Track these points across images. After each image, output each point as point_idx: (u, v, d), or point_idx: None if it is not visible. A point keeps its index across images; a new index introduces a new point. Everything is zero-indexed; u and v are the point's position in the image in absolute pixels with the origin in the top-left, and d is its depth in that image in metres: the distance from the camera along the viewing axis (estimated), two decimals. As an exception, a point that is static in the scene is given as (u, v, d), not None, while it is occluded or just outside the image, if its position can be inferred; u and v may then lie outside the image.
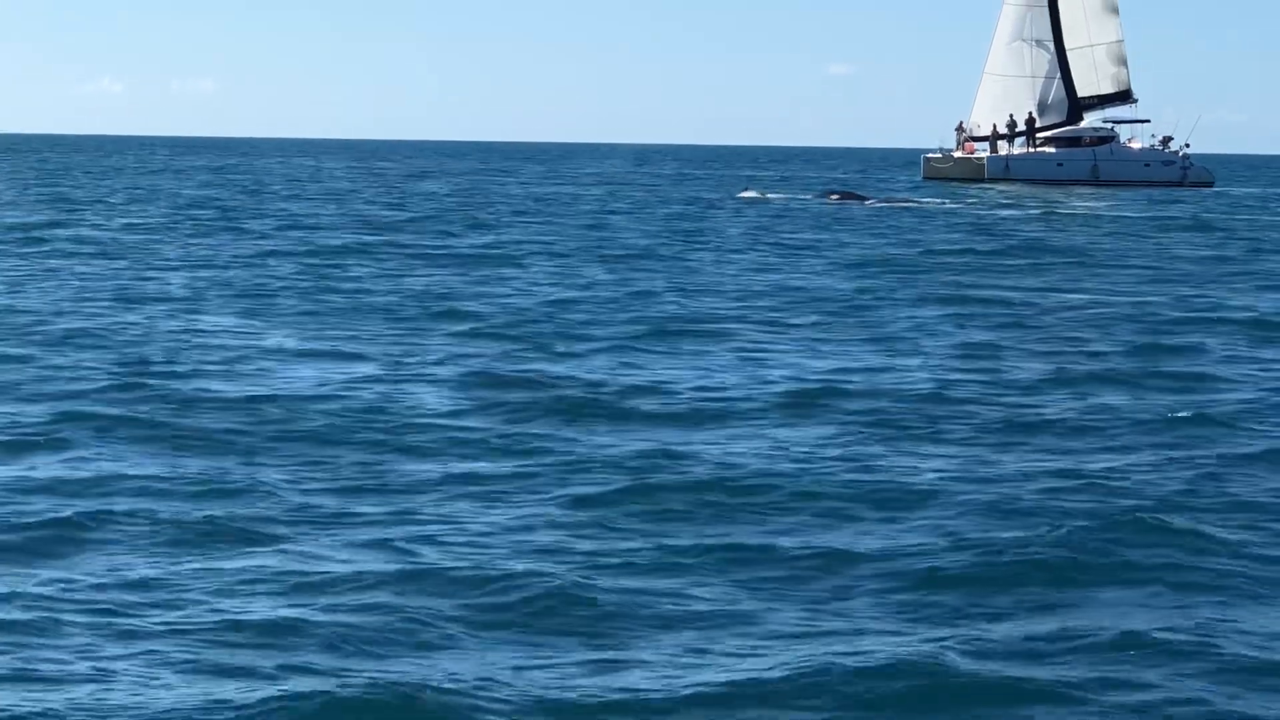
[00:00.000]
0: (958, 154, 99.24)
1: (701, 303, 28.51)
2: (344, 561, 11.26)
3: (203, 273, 32.85)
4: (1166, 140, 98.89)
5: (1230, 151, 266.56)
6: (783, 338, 23.94)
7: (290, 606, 10.15)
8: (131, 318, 24.82)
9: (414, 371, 19.72)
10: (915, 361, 21.63)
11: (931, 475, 14.27)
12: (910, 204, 73.70)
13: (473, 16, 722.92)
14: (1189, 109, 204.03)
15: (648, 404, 17.68)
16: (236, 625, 9.77)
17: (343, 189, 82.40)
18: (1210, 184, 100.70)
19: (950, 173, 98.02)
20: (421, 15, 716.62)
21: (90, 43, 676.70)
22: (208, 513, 12.41)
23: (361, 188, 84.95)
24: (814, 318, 26.61)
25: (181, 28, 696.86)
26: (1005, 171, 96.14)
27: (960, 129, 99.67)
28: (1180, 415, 17.38)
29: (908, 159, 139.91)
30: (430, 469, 14.31)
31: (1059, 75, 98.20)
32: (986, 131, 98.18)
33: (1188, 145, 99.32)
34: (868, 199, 76.39)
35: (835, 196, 77.64)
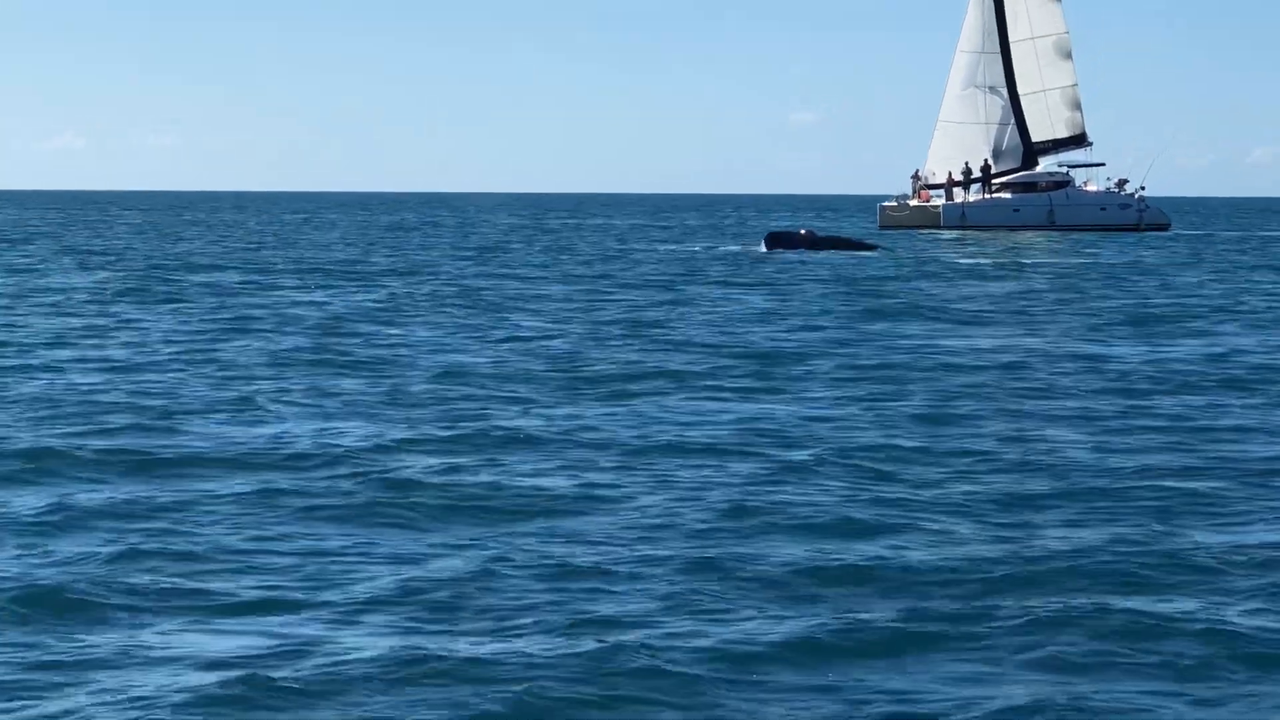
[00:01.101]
0: (914, 202, 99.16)
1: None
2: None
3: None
4: (1122, 183, 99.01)
5: (1199, 195, 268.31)
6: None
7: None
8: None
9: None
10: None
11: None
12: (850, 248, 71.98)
13: (440, 67, 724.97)
14: (1149, 152, 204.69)
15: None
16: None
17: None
18: (1166, 226, 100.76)
19: (907, 221, 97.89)
20: (387, 69, 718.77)
21: (52, 99, 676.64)
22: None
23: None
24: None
25: (143, 83, 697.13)
26: (961, 219, 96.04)
27: (916, 177, 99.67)
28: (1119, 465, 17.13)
29: (869, 205, 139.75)
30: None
31: (1013, 121, 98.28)
32: (942, 179, 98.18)
33: (1143, 188, 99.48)
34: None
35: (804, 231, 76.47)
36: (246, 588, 12.46)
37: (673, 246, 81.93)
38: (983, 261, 65.16)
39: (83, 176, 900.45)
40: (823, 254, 68.70)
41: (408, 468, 17.39)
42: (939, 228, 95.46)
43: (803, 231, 76.03)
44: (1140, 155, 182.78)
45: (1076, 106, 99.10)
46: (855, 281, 51.04)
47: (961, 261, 64.90)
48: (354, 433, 19.88)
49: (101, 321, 35.09)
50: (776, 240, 72.37)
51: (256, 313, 37.75)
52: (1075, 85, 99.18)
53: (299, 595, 12.28)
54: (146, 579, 12.61)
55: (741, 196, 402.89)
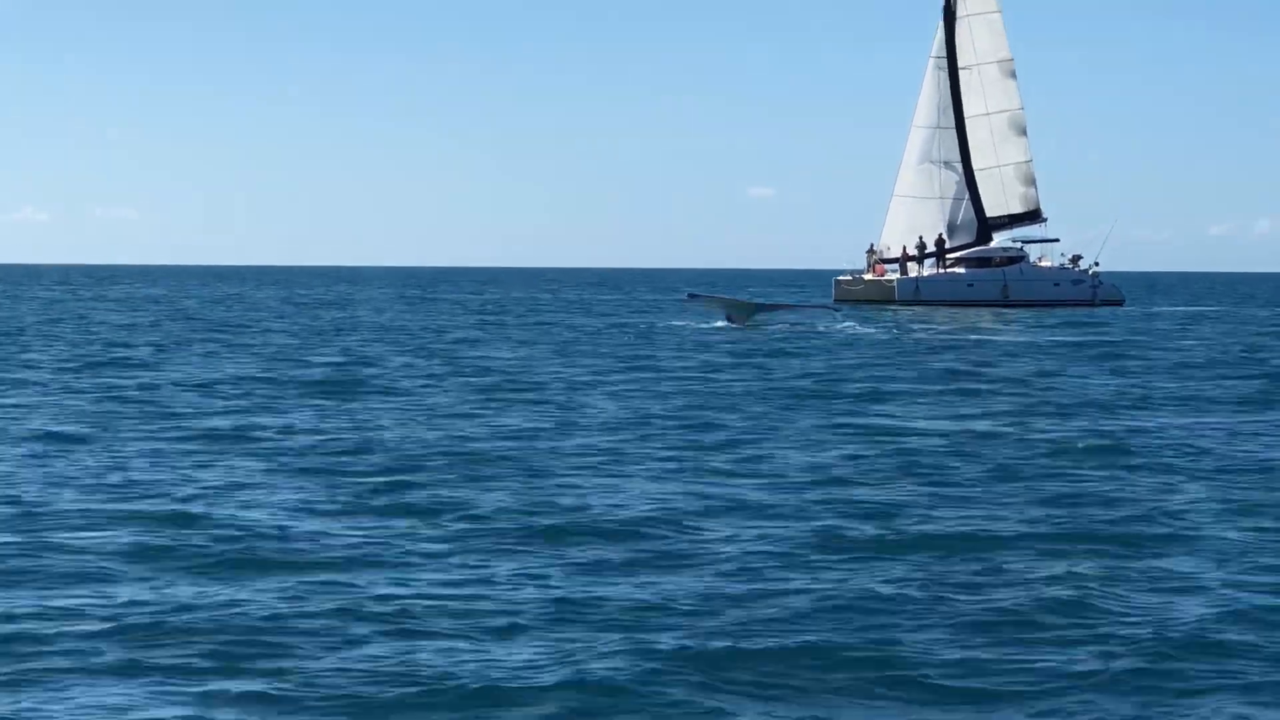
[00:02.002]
0: (868, 276, 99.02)
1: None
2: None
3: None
4: (1076, 259, 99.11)
5: (1158, 269, 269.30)
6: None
7: None
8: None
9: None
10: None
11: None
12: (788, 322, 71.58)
13: (395, 140, 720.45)
14: (1104, 227, 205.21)
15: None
16: None
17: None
18: (1120, 302, 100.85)
19: (861, 295, 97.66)
20: (349, 143, 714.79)
21: (12, 173, 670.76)
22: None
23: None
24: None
25: (103, 156, 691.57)
26: (916, 294, 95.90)
27: (871, 251, 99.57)
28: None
29: (824, 279, 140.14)
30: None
31: (968, 196, 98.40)
32: (897, 253, 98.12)
33: (1097, 264, 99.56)
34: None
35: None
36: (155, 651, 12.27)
37: (619, 320, 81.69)
38: (935, 333, 65.00)
39: (43, 250, 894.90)
40: (760, 320, 69.11)
41: (322, 534, 16.97)
42: (893, 302, 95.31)
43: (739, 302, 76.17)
44: (1097, 231, 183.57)
45: (1031, 182, 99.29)
46: (782, 355, 50.75)
47: (907, 335, 64.71)
48: (263, 502, 19.41)
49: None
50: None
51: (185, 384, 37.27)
52: (1029, 161, 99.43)
53: (211, 657, 12.16)
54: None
55: (698, 271, 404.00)
